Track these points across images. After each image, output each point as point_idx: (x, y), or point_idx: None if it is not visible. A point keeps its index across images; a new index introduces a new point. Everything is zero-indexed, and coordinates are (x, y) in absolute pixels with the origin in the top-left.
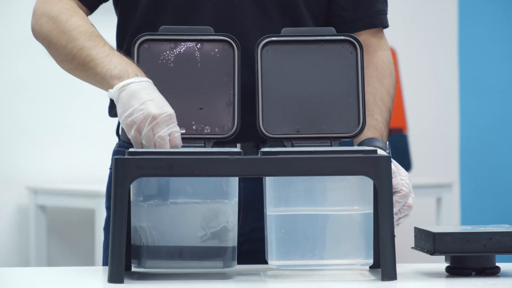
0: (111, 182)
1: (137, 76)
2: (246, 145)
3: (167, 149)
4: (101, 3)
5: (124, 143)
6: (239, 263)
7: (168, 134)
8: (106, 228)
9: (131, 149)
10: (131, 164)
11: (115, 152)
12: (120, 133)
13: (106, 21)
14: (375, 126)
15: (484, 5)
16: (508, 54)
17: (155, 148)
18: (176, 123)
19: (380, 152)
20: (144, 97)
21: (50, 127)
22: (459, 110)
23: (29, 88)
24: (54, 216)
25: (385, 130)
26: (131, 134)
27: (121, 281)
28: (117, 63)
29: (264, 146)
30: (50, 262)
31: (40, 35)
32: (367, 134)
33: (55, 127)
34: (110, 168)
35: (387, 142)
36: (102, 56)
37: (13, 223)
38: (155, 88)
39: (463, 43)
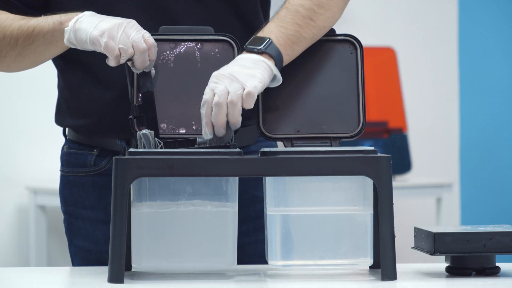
0: (64, 186)
1: (85, 11)
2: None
3: (167, 149)
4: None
5: (72, 144)
6: (239, 263)
7: (141, 35)
8: (69, 233)
9: (131, 149)
10: (131, 164)
11: (67, 154)
12: (67, 133)
13: None
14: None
15: (484, 5)
16: (508, 54)
17: (133, 50)
18: (140, 27)
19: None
20: (102, 17)
21: (50, 127)
22: (459, 110)
23: (29, 88)
24: (54, 216)
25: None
26: (103, 42)
27: (121, 281)
28: (60, 14)
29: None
30: (50, 262)
31: None
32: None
33: (55, 127)
34: (61, 171)
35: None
36: (42, 19)
37: (13, 223)
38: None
39: (463, 43)
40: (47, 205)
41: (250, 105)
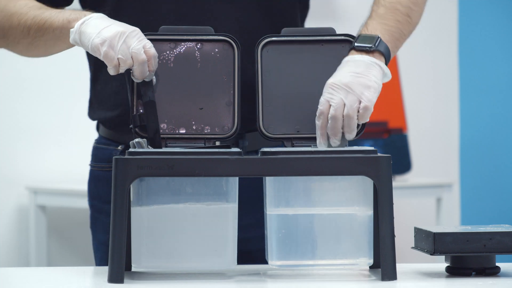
0: (93, 180)
1: (94, 13)
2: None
3: (167, 149)
4: (63, 6)
5: (102, 140)
6: (239, 263)
7: (141, 46)
8: (93, 227)
9: (131, 149)
10: (131, 164)
11: (95, 148)
12: (99, 129)
13: None
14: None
15: (484, 5)
16: (508, 54)
17: (132, 61)
18: (144, 36)
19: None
20: (107, 22)
21: (50, 127)
22: (459, 110)
23: (29, 88)
24: (54, 216)
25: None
26: (103, 51)
27: (121, 281)
28: (71, 11)
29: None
30: (50, 262)
31: None
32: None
33: (55, 127)
34: (90, 165)
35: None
36: (55, 13)
37: (13, 223)
38: (112, 19)
39: (463, 43)
40: (47, 205)
41: (366, 118)
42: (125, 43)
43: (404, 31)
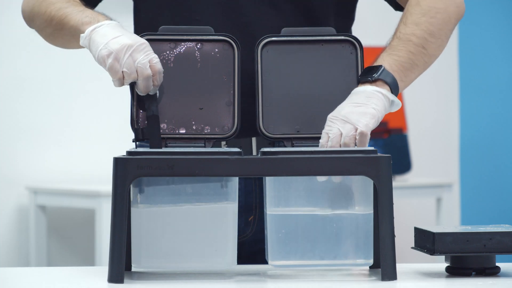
0: None
1: (107, 20)
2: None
3: (168, 149)
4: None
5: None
6: (239, 263)
7: (147, 60)
8: None
9: (131, 149)
10: (131, 164)
11: None
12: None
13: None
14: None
15: (484, 5)
16: (508, 54)
17: (137, 75)
18: (152, 50)
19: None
20: (116, 33)
21: (50, 127)
22: (459, 110)
23: (29, 88)
24: (54, 216)
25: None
26: (108, 63)
27: (121, 281)
28: (89, 13)
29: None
30: (50, 262)
31: (26, 11)
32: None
33: (55, 127)
34: None
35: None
36: (76, 11)
37: (13, 223)
38: (124, 28)
39: (463, 43)
40: (47, 205)
41: (364, 143)
42: (131, 56)
43: (418, 62)
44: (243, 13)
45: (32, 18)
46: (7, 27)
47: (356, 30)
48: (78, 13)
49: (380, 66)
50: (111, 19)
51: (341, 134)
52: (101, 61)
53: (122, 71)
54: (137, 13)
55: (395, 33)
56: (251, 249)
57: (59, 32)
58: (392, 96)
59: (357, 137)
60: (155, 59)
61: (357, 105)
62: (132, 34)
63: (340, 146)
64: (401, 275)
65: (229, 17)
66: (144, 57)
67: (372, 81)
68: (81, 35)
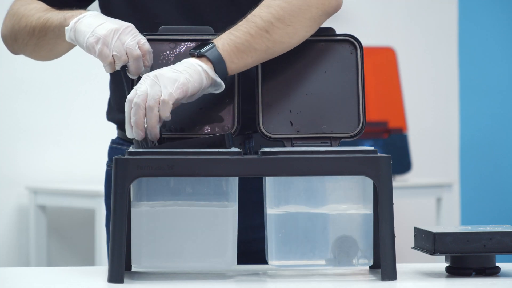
0: (109, 179)
1: (89, 11)
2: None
3: (167, 149)
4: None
5: (119, 140)
6: (239, 263)
7: (136, 42)
8: (108, 226)
9: (131, 149)
10: (131, 164)
11: (110, 148)
12: (117, 130)
13: None
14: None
15: (484, 5)
16: (508, 54)
17: (127, 57)
18: (138, 32)
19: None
20: (101, 20)
21: (50, 127)
22: (459, 110)
23: (29, 88)
24: (54, 216)
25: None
26: (97, 49)
27: (121, 281)
28: (70, 10)
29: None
30: (50, 262)
31: (7, 35)
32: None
33: (55, 127)
34: (107, 165)
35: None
36: (56, 13)
37: (13, 223)
38: (107, 17)
39: (463, 43)
40: (47, 205)
41: (165, 113)
42: (119, 39)
43: (257, 45)
44: (199, 10)
45: (15, 38)
46: None
47: (356, 30)
48: (59, 13)
49: (212, 43)
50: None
51: (147, 94)
52: (90, 48)
53: (112, 55)
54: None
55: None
56: (248, 249)
57: (43, 39)
58: (214, 75)
59: (159, 105)
60: (143, 40)
61: (174, 70)
62: (116, 20)
63: (146, 107)
64: (401, 275)
65: (187, 16)
66: (132, 39)
67: (198, 56)
68: (66, 28)
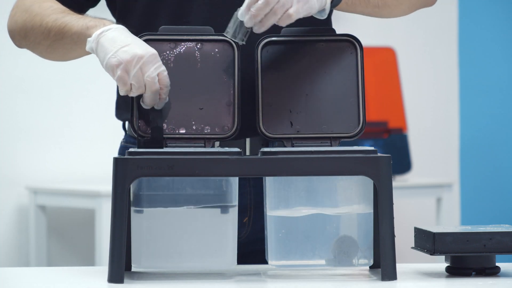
0: None
1: (113, 24)
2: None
3: (167, 149)
4: (88, 8)
5: (130, 138)
6: (239, 263)
7: (156, 74)
8: None
9: (131, 149)
10: (131, 164)
11: (122, 148)
12: (126, 128)
13: None
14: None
15: (484, 5)
16: (508, 54)
17: (145, 88)
18: (161, 62)
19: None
20: (126, 40)
21: (50, 127)
22: (459, 110)
23: (29, 88)
24: (54, 216)
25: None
26: (117, 74)
27: (121, 281)
28: (92, 18)
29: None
30: (50, 262)
31: (15, 29)
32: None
33: (55, 127)
34: None
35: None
36: (75, 18)
37: (13, 223)
38: (131, 34)
39: (463, 43)
40: (47, 205)
41: (284, 23)
42: (140, 69)
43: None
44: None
45: (25, 34)
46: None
47: (356, 30)
48: (79, 20)
49: None
50: (114, 23)
51: (279, 1)
52: (109, 69)
53: (131, 84)
54: (128, 18)
55: None
56: (246, 251)
57: (59, 42)
58: (327, 4)
59: (284, 15)
60: (164, 72)
61: None
62: (142, 42)
63: (270, 9)
64: (401, 275)
65: (220, 12)
66: (154, 70)
67: None
68: (88, 39)
